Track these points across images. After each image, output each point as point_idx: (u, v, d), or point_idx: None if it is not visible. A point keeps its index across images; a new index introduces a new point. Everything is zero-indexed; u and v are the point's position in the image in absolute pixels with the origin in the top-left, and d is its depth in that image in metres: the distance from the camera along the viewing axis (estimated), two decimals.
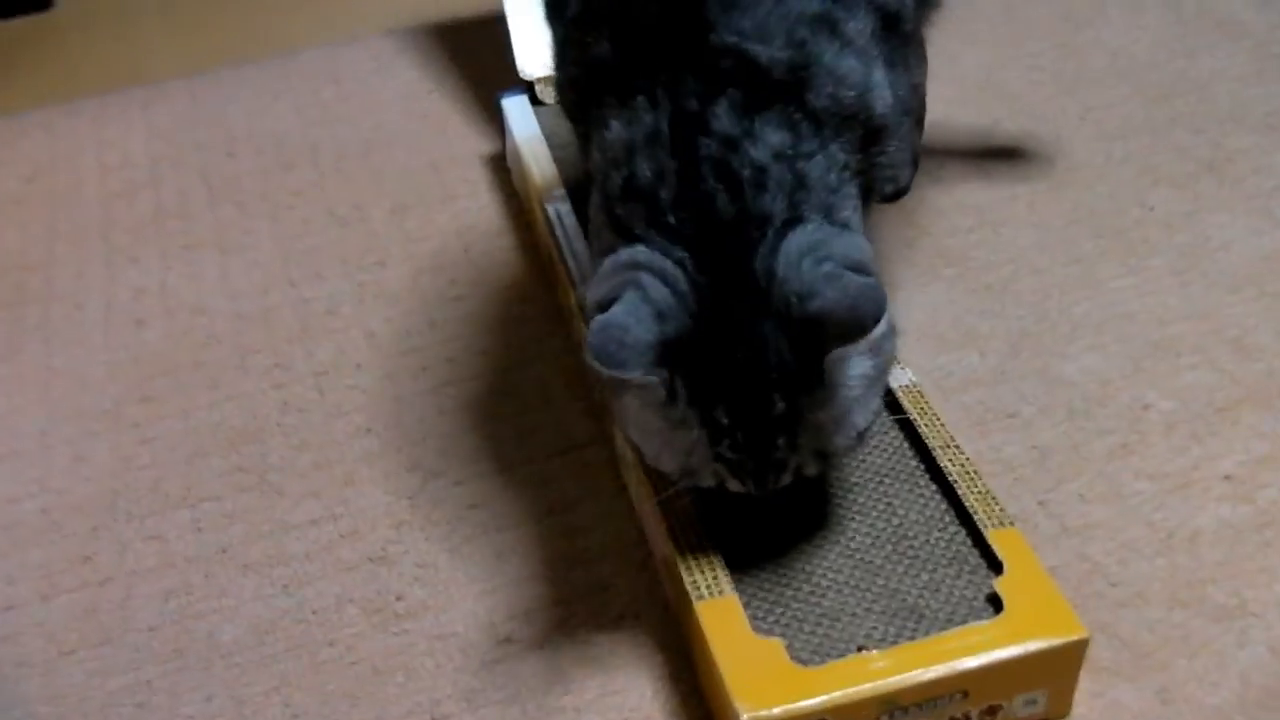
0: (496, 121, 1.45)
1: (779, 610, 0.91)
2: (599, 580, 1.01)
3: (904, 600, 0.91)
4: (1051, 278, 1.25)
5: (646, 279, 0.83)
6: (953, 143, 1.42)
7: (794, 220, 0.84)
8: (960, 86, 1.50)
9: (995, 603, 0.89)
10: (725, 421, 0.83)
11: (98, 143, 1.57)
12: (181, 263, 1.37)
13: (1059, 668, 0.88)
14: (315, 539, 1.07)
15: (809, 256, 0.83)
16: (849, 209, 0.88)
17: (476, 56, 1.66)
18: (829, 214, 0.86)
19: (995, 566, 0.91)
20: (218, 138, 1.55)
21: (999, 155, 1.40)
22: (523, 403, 1.17)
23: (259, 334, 1.27)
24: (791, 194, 0.84)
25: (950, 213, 1.33)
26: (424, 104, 1.57)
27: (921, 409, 1.02)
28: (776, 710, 0.83)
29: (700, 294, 0.83)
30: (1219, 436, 1.08)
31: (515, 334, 1.24)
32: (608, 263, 0.87)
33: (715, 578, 0.91)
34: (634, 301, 0.82)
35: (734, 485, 0.87)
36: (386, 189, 1.44)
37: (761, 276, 0.82)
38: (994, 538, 0.92)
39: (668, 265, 0.84)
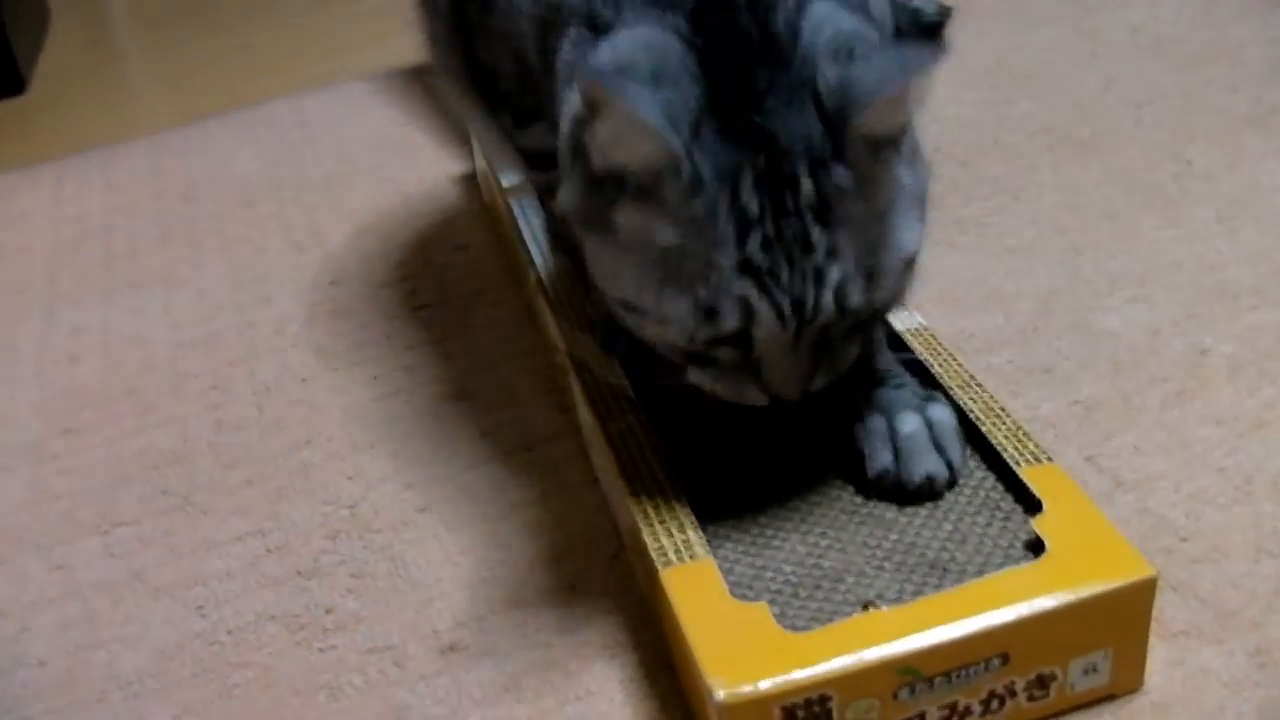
0: (470, 145, 1.28)
1: (768, 574, 0.71)
2: (563, 578, 0.82)
3: (923, 555, 0.71)
4: (1082, 236, 1.05)
5: (643, 55, 0.67)
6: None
7: None
8: (967, 72, 1.33)
9: (1036, 548, 0.68)
10: (754, 206, 0.65)
11: (54, 201, 1.42)
12: (125, 300, 1.21)
13: (1123, 620, 0.67)
14: (239, 556, 0.88)
15: (832, 21, 0.69)
16: None
17: None
18: None
19: (1033, 508, 0.70)
20: (176, 186, 1.40)
21: None
22: (485, 403, 0.98)
23: (198, 360, 1.10)
24: None
25: (964, 185, 1.14)
26: (395, 136, 1.41)
27: (934, 350, 0.83)
28: (763, 685, 0.62)
29: (708, 60, 0.67)
30: None
31: (480, 338, 1.06)
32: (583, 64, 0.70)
33: (686, 540, 0.71)
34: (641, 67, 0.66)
35: (764, 327, 0.67)
36: (348, 215, 1.27)
37: (784, 37, 0.68)
38: (1029, 475, 0.72)
39: (665, 37, 0.68)
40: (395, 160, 1.36)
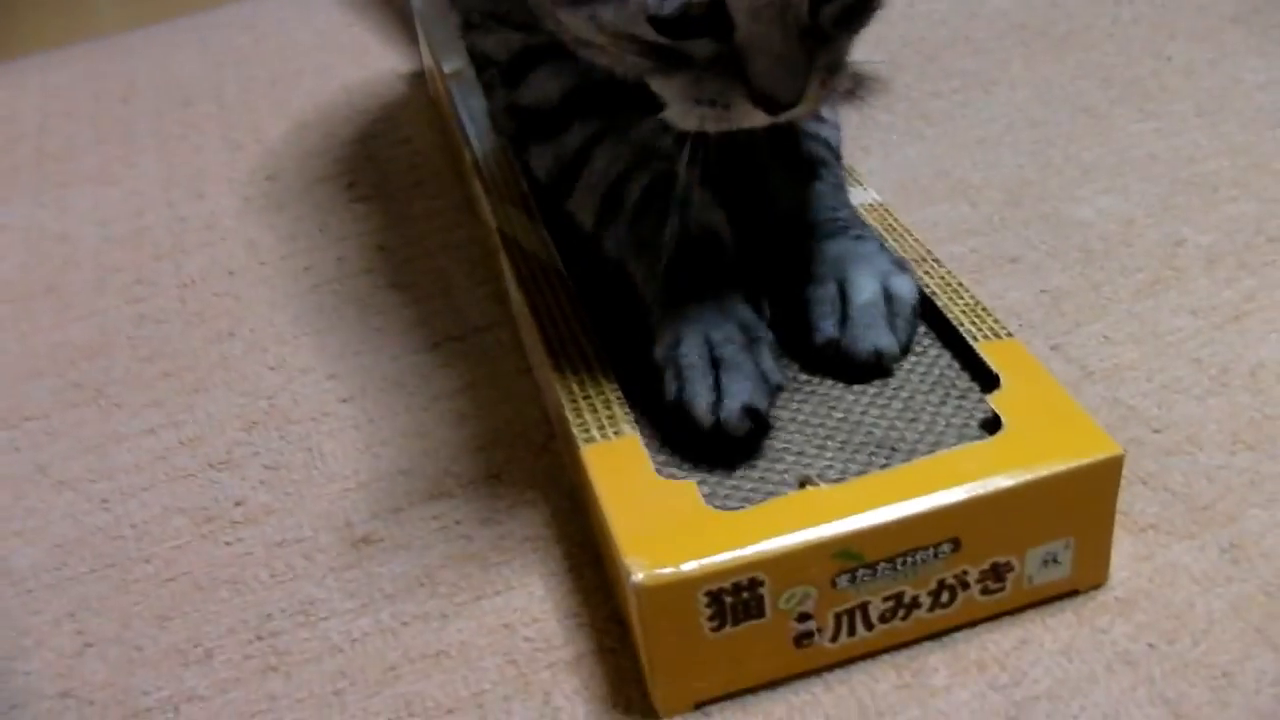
0: (418, 42, 1.20)
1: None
2: (488, 468, 0.75)
3: (869, 433, 0.64)
4: (1055, 128, 0.98)
5: None
6: None
7: None
8: None
9: (993, 426, 0.61)
10: None
11: None
12: (53, 199, 1.13)
13: (1086, 504, 0.60)
14: (149, 449, 0.81)
15: None
16: None
17: None
18: None
19: (991, 385, 0.63)
20: (115, 89, 1.31)
21: None
22: (418, 293, 0.91)
23: (123, 254, 1.02)
24: None
25: (931, 78, 1.07)
26: (343, 37, 1.33)
27: (889, 225, 0.75)
28: (685, 567, 0.55)
29: None
30: (1275, 266, 0.81)
31: (417, 229, 0.98)
32: None
33: (611, 415, 0.64)
34: None
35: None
36: (290, 114, 1.19)
37: None
38: (986, 350, 0.65)
39: None
40: (342, 60, 1.28)
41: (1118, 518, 0.63)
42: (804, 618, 0.58)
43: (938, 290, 0.70)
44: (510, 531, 0.71)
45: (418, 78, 1.21)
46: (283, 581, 0.70)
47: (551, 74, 0.76)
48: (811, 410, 0.65)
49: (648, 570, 0.55)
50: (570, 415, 0.64)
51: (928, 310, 0.69)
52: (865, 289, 0.67)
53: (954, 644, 0.61)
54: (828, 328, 0.67)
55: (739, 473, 0.62)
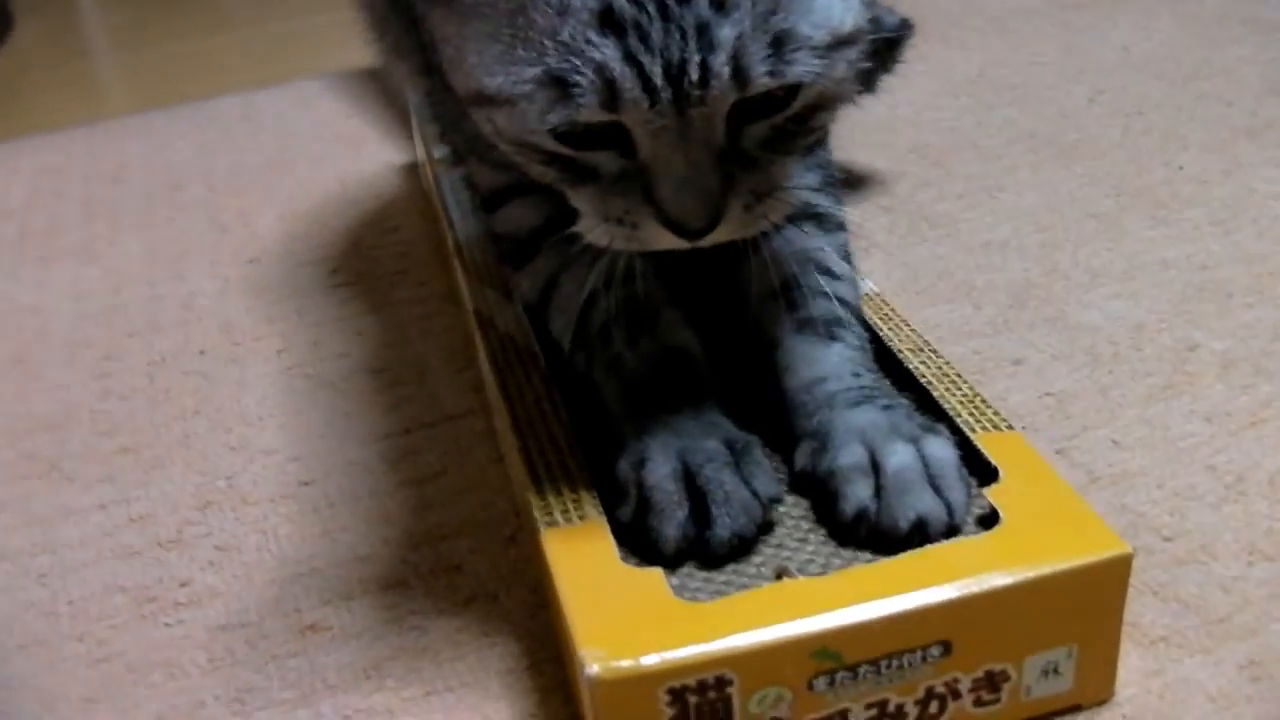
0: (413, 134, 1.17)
1: None
2: (449, 559, 0.69)
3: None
4: (1063, 233, 0.94)
5: None
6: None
7: None
8: (948, 81, 1.22)
9: (990, 523, 0.56)
10: None
11: None
12: (31, 274, 1.09)
13: (1090, 608, 0.54)
14: (97, 524, 0.76)
15: None
16: None
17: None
18: None
19: (989, 480, 0.58)
20: (107, 170, 1.28)
21: None
22: (392, 378, 0.86)
23: (96, 330, 0.98)
24: None
25: (937, 182, 1.03)
26: (340, 128, 1.30)
27: (885, 315, 0.71)
28: (646, 660, 0.49)
29: None
30: None
31: (398, 315, 0.94)
32: None
33: (576, 499, 0.58)
34: None
35: (631, 100, 0.51)
36: (280, 200, 1.16)
37: None
38: (984, 442, 0.59)
39: None
40: (337, 150, 1.25)
41: (1126, 629, 0.57)
42: None
43: (934, 381, 0.65)
44: (467, 625, 0.65)
45: (412, 170, 1.17)
46: (220, 668, 0.65)
47: (522, 207, 0.74)
48: (794, 501, 0.60)
49: (604, 662, 0.49)
50: (533, 497, 0.59)
51: (924, 402, 0.64)
52: (899, 452, 0.58)
53: None
54: (859, 495, 0.57)
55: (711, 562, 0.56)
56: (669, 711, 0.50)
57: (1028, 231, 0.95)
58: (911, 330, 0.69)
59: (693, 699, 0.50)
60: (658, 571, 0.54)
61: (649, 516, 0.56)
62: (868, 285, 0.73)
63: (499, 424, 0.72)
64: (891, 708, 0.53)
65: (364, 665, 0.64)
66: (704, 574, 0.56)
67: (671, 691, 0.50)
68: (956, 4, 1.43)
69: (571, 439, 0.62)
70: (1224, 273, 0.87)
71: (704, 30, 0.50)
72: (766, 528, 0.58)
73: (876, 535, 0.56)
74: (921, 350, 0.67)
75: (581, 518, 0.57)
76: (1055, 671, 0.55)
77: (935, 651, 0.52)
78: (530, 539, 0.64)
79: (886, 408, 0.61)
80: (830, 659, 0.51)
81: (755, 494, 0.57)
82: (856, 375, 0.63)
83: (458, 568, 0.69)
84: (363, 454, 0.79)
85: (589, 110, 0.51)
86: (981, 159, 1.06)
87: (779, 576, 0.54)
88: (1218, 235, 0.91)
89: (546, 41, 0.50)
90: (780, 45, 0.51)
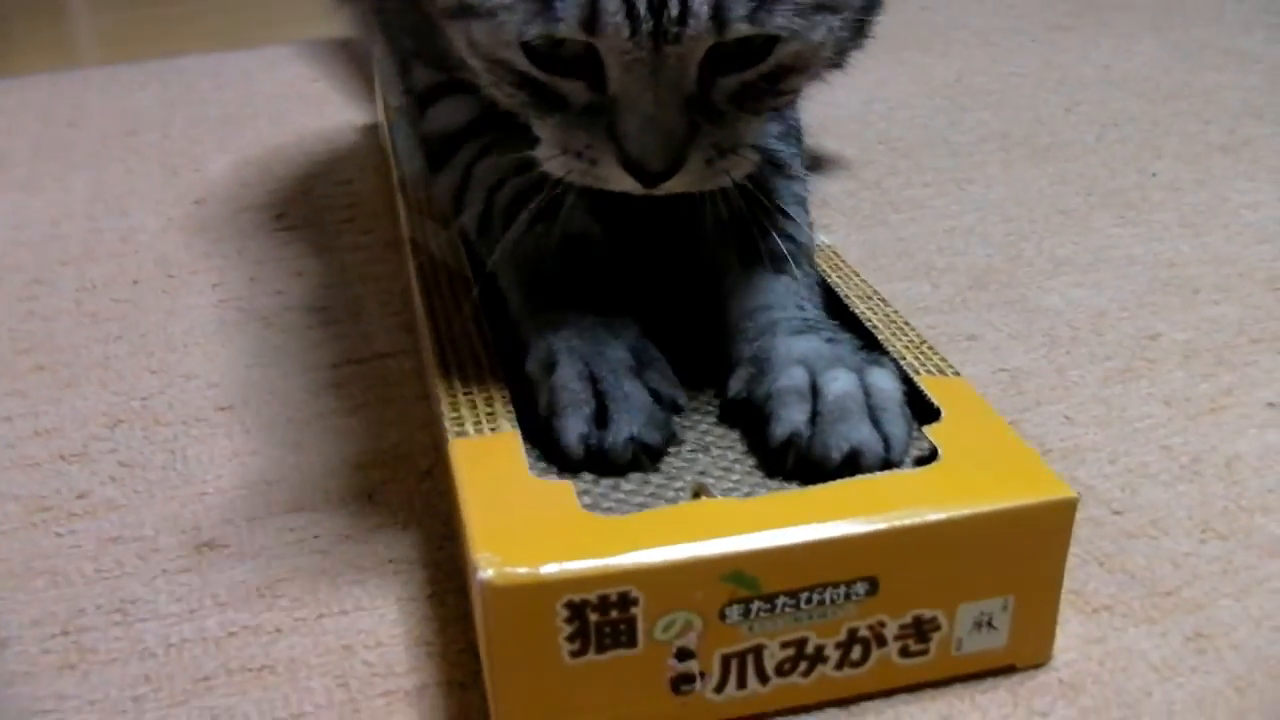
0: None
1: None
2: (362, 488, 0.65)
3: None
4: (1029, 225, 0.91)
5: None
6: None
7: None
8: (924, 84, 1.19)
9: (929, 460, 0.51)
10: None
11: None
12: None
13: (1030, 556, 0.50)
14: (0, 436, 0.70)
15: None
16: None
17: None
18: None
19: (931, 420, 0.54)
20: (64, 114, 1.24)
21: None
22: (325, 316, 0.82)
23: (29, 256, 0.93)
24: None
25: (904, 172, 1.00)
26: (304, 89, 1.26)
27: (834, 265, 0.67)
28: (545, 569, 0.44)
29: None
30: (1257, 365, 0.72)
31: (341, 260, 0.90)
32: None
33: (491, 412, 0.54)
34: None
35: (610, 28, 0.49)
36: (233, 149, 1.11)
37: None
38: (929, 384, 0.55)
39: None
40: (299, 108, 1.21)
41: (1067, 596, 0.53)
42: (684, 654, 0.48)
43: (880, 325, 0.61)
44: (372, 551, 0.61)
45: (373, 130, 1.13)
46: (106, 578, 0.60)
47: (453, 105, 0.71)
48: (722, 432, 0.56)
49: (499, 568, 0.45)
50: (446, 409, 0.54)
51: (870, 348, 0.60)
52: (841, 379, 0.54)
53: (863, 715, 0.51)
54: (793, 418, 0.53)
55: (628, 483, 0.52)
56: (567, 628, 0.46)
57: (993, 221, 0.91)
58: (861, 280, 0.65)
59: (593, 616, 0.46)
60: (567, 484, 0.50)
61: (553, 418, 0.53)
62: (821, 239, 0.69)
63: (422, 342, 0.68)
64: (810, 648, 0.49)
65: (258, 584, 0.59)
66: (619, 493, 0.51)
67: (570, 605, 0.45)
68: (941, 17, 1.40)
69: (493, 357, 0.58)
70: (1191, 270, 0.84)
71: None
72: (673, 439, 0.53)
73: (806, 465, 0.52)
74: (870, 298, 0.63)
75: (494, 430, 0.53)
76: (989, 625, 0.51)
77: (860, 589, 0.48)
78: (448, 473, 0.60)
79: (830, 340, 0.57)
80: (745, 586, 0.47)
81: (657, 398, 0.53)
82: (801, 308, 0.59)
83: (369, 496, 0.65)
84: (285, 384, 0.75)
85: (567, 26, 0.49)
86: (952, 154, 1.03)
87: (696, 495, 0.50)
88: (1188, 236, 0.88)
89: None
90: None
